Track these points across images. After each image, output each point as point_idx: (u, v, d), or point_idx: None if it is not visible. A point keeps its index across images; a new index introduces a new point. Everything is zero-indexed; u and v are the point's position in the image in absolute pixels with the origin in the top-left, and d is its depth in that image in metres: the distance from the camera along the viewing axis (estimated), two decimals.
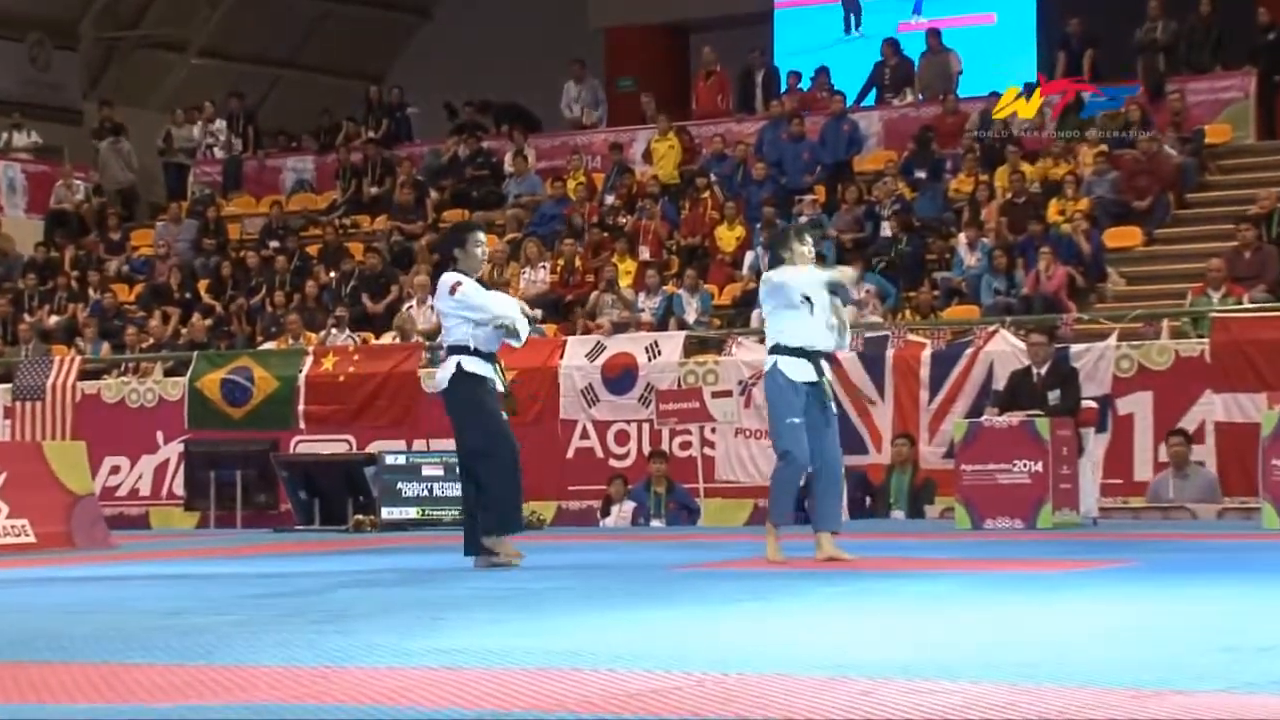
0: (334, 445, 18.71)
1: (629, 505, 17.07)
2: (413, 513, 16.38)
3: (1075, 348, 16.28)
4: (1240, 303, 17.06)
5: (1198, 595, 7.61)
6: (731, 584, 8.81)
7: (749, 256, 20.42)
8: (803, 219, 20.61)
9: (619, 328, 19.06)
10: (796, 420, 9.77)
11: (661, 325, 19.26)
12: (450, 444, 10.92)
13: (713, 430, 17.39)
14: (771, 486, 10.09)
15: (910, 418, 16.85)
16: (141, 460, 19.59)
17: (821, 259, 19.13)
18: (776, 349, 9.94)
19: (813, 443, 9.84)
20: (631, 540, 13.96)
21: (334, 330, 20.52)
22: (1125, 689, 4.48)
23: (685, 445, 17.57)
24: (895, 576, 9.07)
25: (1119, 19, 22.59)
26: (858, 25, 27.48)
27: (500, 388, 10.15)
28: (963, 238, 19.63)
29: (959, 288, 19.32)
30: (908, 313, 19.08)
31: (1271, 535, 12.76)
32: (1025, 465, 13.59)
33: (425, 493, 16.48)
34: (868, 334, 17.46)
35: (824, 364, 9.94)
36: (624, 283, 20.38)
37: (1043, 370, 14.54)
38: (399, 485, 16.50)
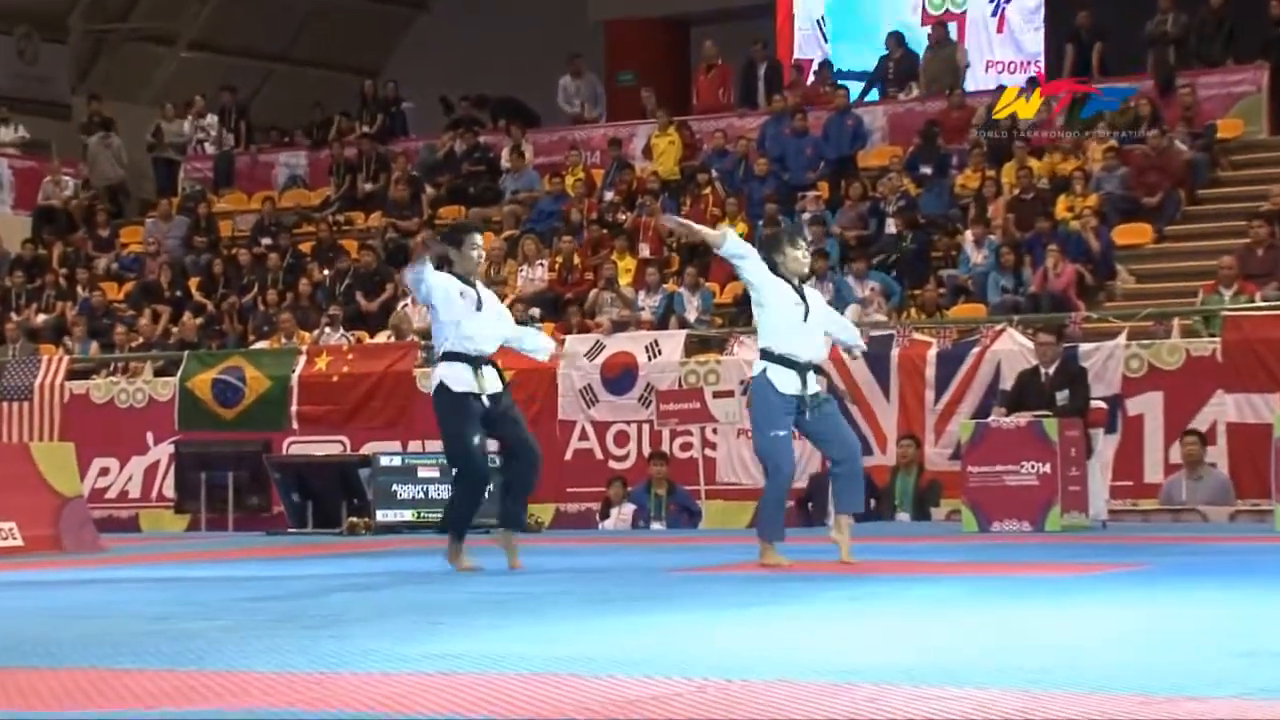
0: (328, 446, 18.71)
1: (629, 508, 17.06)
2: (408, 515, 16.36)
3: (1084, 347, 16.28)
4: (1252, 301, 17.06)
5: (1211, 599, 7.60)
6: (733, 588, 8.80)
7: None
8: (805, 216, 20.61)
9: (618, 326, 19.06)
10: (781, 433, 9.67)
11: (662, 324, 19.26)
12: None
13: (714, 431, 17.39)
14: (761, 505, 10.01)
15: (915, 418, 16.85)
16: (131, 462, 19.60)
17: (824, 256, 19.37)
18: (766, 355, 9.83)
19: (824, 437, 9.80)
20: (631, 543, 13.96)
21: (327, 329, 20.53)
22: (1137, 695, 4.47)
23: (686, 446, 17.57)
24: (900, 580, 9.06)
25: (1128, 11, 22.59)
26: None
27: (487, 392, 10.01)
28: (969, 235, 19.62)
29: (965, 286, 19.31)
30: (913, 311, 19.08)
31: None
32: (1033, 467, 13.58)
33: (421, 495, 16.46)
34: (872, 333, 17.44)
35: (812, 376, 9.73)
36: (623, 280, 20.38)
37: (1051, 370, 14.54)
38: (394, 487, 16.47)
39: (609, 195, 22.77)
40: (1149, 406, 16.12)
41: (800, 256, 9.89)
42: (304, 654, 5.67)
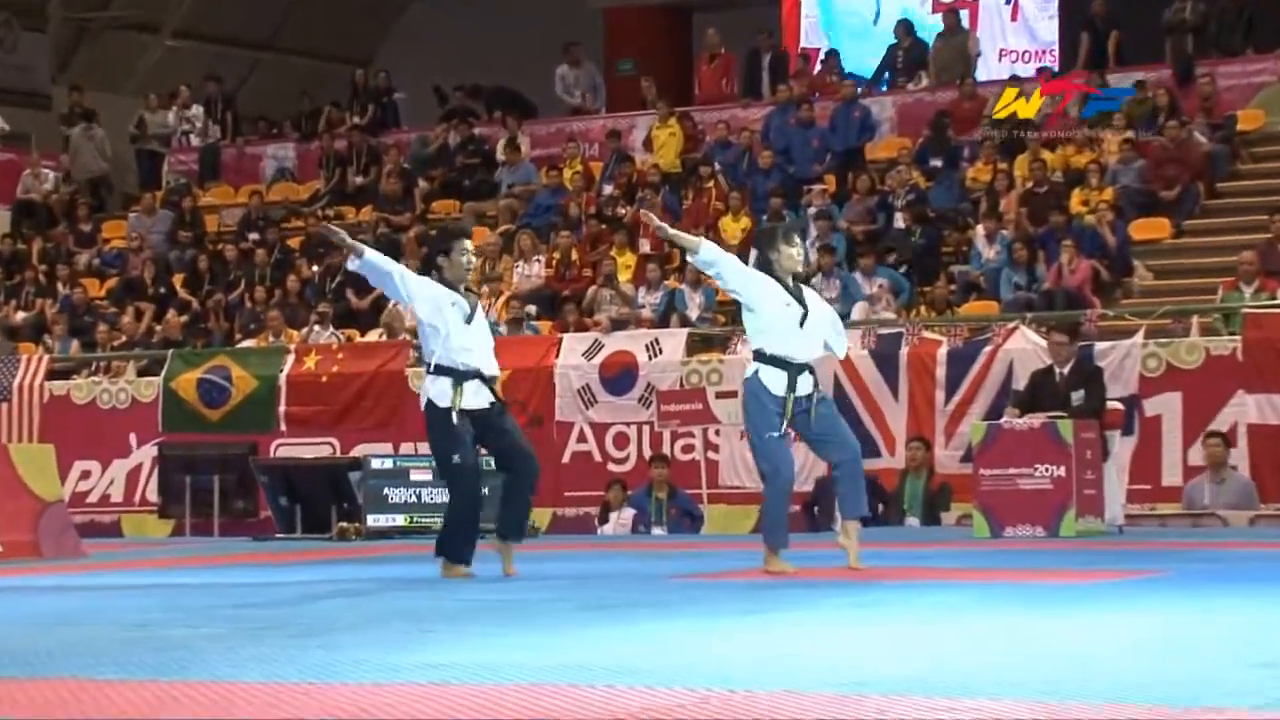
0: (317, 449, 18.71)
1: (628, 512, 17.07)
2: (400, 520, 16.36)
3: (1100, 346, 16.29)
4: (1274, 298, 17.07)
5: (1231, 607, 7.60)
6: (737, 595, 8.80)
7: (754, 251, 20.41)
8: (811, 210, 20.62)
9: (618, 325, 19.06)
10: (775, 435, 9.67)
11: (663, 322, 19.26)
12: None
13: (717, 433, 17.39)
14: (764, 512, 10.00)
15: (925, 420, 16.85)
16: (113, 465, 19.61)
17: (831, 252, 19.38)
18: (759, 356, 9.79)
19: (822, 439, 9.80)
20: (631, 549, 13.97)
21: (317, 327, 20.53)
22: (1154, 706, 4.48)
23: (688, 449, 17.57)
24: (910, 587, 9.07)
25: None
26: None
27: (470, 408, 10.01)
28: (980, 229, 19.63)
29: (977, 282, 19.32)
30: (922, 309, 19.08)
31: None
32: (1047, 470, 13.58)
33: (413, 499, 16.46)
34: (880, 331, 17.47)
35: (803, 378, 9.68)
36: (623, 277, 20.39)
37: (1065, 369, 14.54)
38: (385, 491, 16.47)
39: (608, 189, 22.77)
40: (1167, 407, 16.12)
41: (795, 254, 9.83)
42: (292, 664, 5.68)
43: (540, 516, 17.15)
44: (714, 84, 25.01)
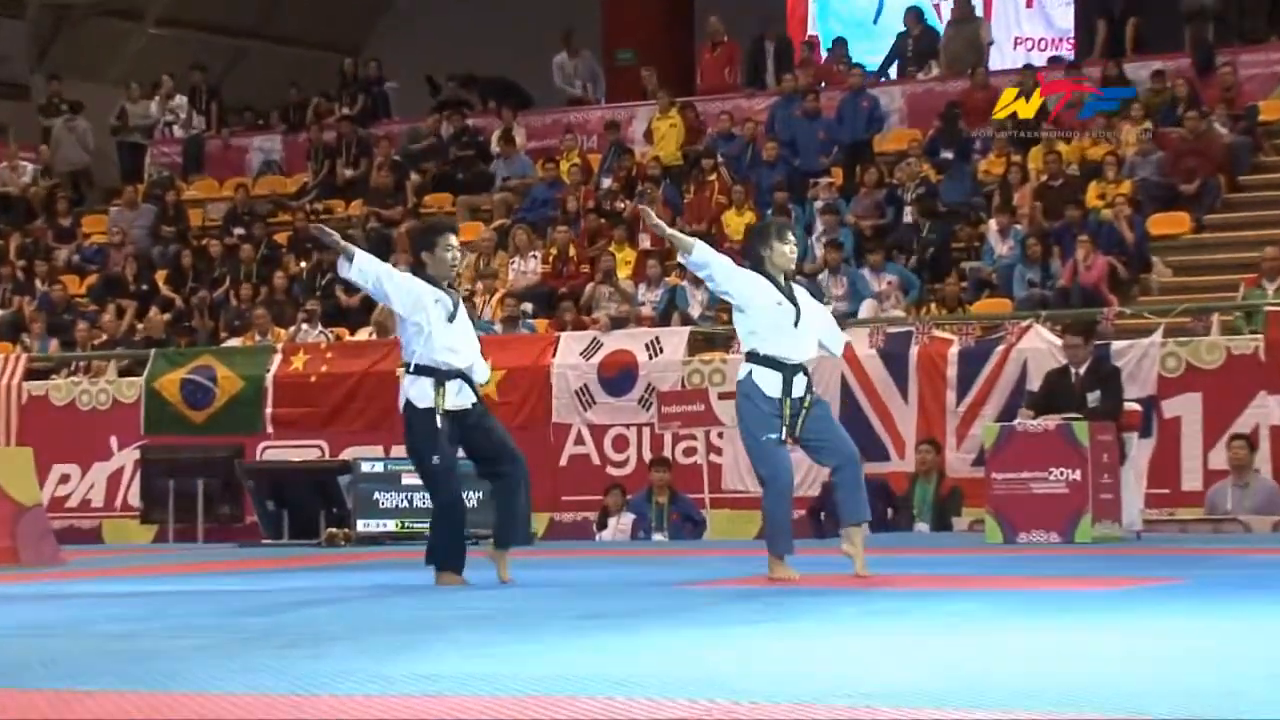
0: (305, 452, 18.72)
1: (628, 517, 17.08)
2: (391, 525, 16.37)
3: (1117, 345, 16.29)
4: None
5: (1253, 615, 7.61)
6: (741, 603, 8.81)
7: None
8: (817, 204, 20.63)
9: (617, 323, 19.07)
10: (773, 436, 9.70)
11: (663, 320, 19.27)
12: None
13: (719, 435, 17.39)
14: (765, 519, 10.01)
15: (936, 421, 16.86)
16: (94, 468, 19.61)
17: (838, 247, 19.39)
18: (752, 357, 9.82)
19: (818, 443, 9.80)
20: (631, 555, 13.98)
21: (305, 326, 20.53)
22: (1172, 718, 4.48)
23: (689, 451, 17.58)
24: (920, 595, 9.07)
25: None
26: None
27: (450, 409, 10.02)
28: (993, 224, 19.64)
29: (989, 279, 19.33)
30: (933, 306, 19.09)
31: None
32: (1062, 473, 13.59)
33: (404, 503, 16.46)
34: (889, 330, 17.47)
35: (798, 379, 9.72)
36: (622, 274, 20.39)
37: (1081, 369, 14.54)
38: (376, 495, 16.49)
39: (607, 182, 22.79)
40: (1187, 409, 16.13)
41: (788, 252, 9.88)
42: (279, 674, 5.68)
43: (536, 522, 17.17)
44: (716, 73, 25.03)
